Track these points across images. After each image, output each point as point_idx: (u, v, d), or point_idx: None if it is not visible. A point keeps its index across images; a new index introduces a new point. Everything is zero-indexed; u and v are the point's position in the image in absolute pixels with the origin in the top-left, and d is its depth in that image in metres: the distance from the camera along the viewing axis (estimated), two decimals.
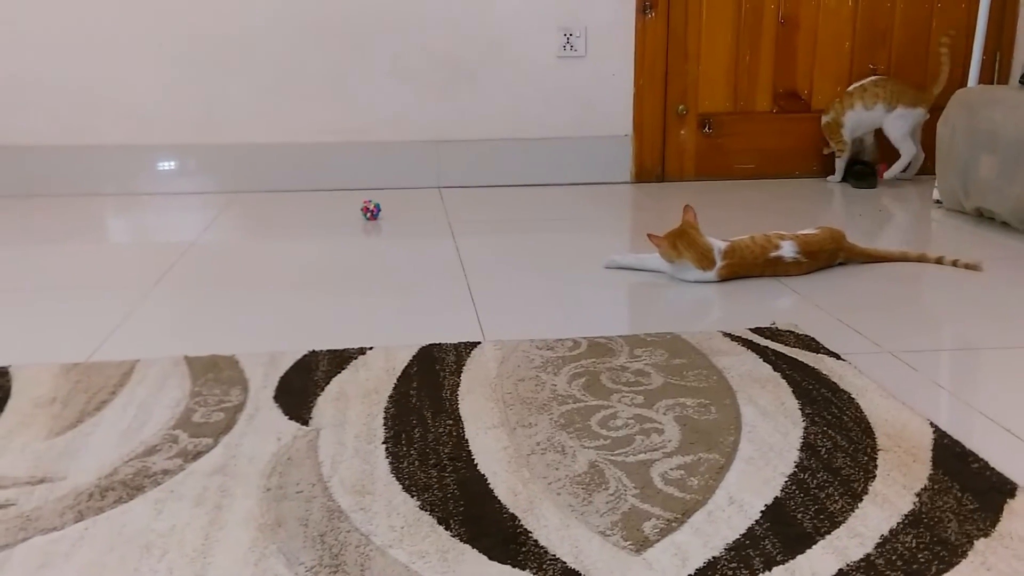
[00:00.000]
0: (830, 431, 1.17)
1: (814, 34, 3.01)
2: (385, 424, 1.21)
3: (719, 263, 1.87)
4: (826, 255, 1.95)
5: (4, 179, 2.85)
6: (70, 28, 2.79)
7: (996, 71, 3.06)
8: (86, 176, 2.88)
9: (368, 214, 2.52)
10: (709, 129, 3.04)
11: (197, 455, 1.12)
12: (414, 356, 1.45)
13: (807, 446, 1.13)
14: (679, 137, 3.04)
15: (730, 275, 1.89)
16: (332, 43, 2.88)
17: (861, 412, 1.23)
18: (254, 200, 2.82)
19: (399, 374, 1.38)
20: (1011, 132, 2.26)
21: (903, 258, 2.03)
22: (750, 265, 1.90)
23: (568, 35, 2.95)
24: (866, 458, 1.10)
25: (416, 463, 1.10)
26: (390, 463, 1.10)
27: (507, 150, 3.00)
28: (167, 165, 2.90)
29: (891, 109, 2.86)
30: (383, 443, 1.15)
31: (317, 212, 2.64)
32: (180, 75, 2.86)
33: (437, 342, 1.51)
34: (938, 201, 2.62)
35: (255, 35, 2.85)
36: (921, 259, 2.02)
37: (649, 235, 1.89)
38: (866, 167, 2.97)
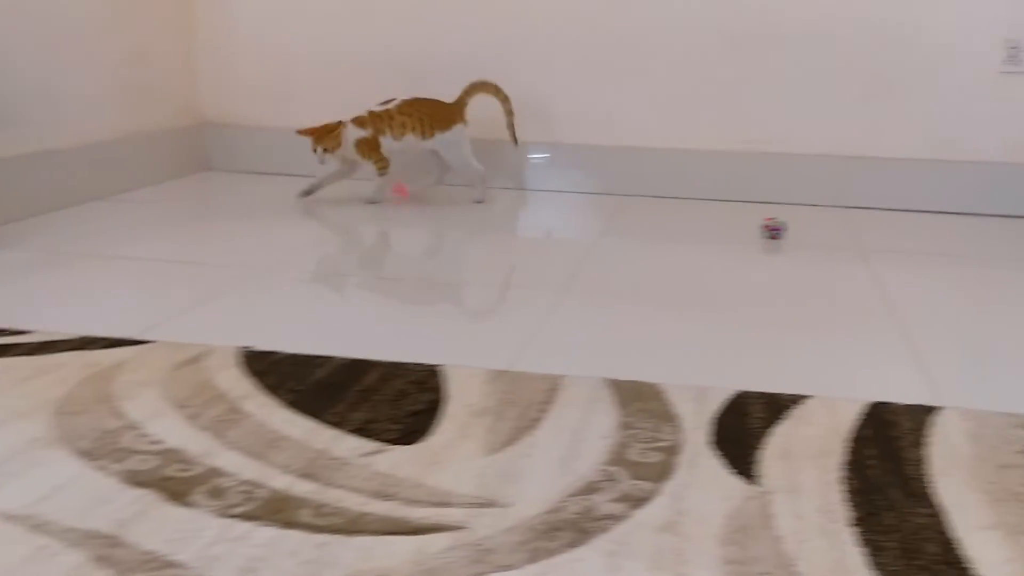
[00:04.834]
0: None
1: None
2: (847, 500, 1.04)
3: None
4: None
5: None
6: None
7: None
8: None
9: (769, 232, 2.35)
10: None
11: (640, 501, 1.03)
12: (864, 416, 1.27)
13: None
14: None
15: None
16: (738, 48, 2.73)
17: None
18: (643, 205, 2.75)
19: (849, 436, 1.21)
20: None
21: None
22: None
23: (1014, 48, 2.57)
24: None
25: (899, 560, 0.93)
26: (867, 553, 0.94)
27: (925, 172, 2.68)
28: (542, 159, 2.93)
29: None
30: (852, 525, 0.99)
31: (712, 223, 2.51)
32: (581, 76, 2.86)
33: (881, 400, 1.32)
34: None
35: (656, 39, 2.78)
36: None
37: None
38: None
